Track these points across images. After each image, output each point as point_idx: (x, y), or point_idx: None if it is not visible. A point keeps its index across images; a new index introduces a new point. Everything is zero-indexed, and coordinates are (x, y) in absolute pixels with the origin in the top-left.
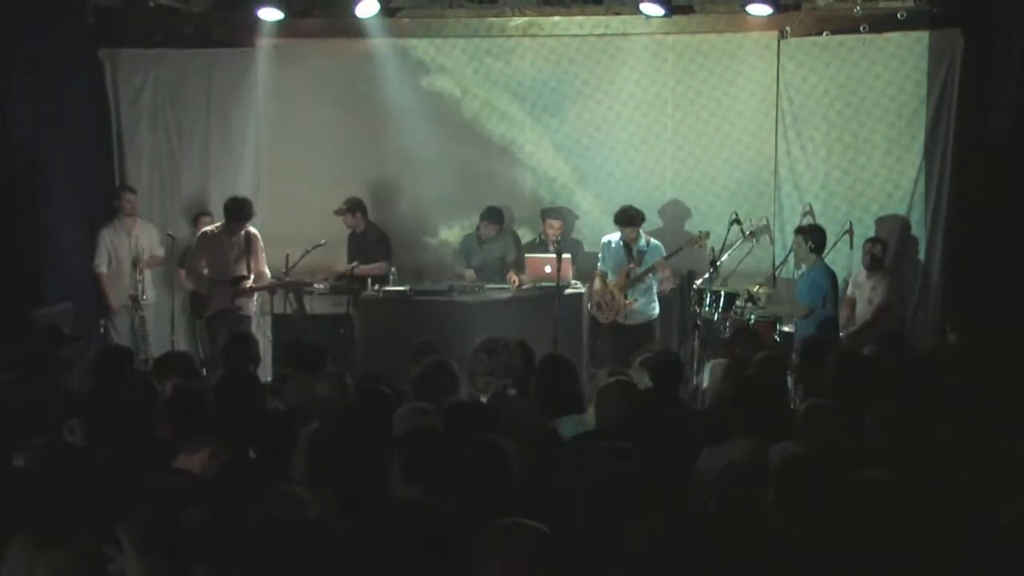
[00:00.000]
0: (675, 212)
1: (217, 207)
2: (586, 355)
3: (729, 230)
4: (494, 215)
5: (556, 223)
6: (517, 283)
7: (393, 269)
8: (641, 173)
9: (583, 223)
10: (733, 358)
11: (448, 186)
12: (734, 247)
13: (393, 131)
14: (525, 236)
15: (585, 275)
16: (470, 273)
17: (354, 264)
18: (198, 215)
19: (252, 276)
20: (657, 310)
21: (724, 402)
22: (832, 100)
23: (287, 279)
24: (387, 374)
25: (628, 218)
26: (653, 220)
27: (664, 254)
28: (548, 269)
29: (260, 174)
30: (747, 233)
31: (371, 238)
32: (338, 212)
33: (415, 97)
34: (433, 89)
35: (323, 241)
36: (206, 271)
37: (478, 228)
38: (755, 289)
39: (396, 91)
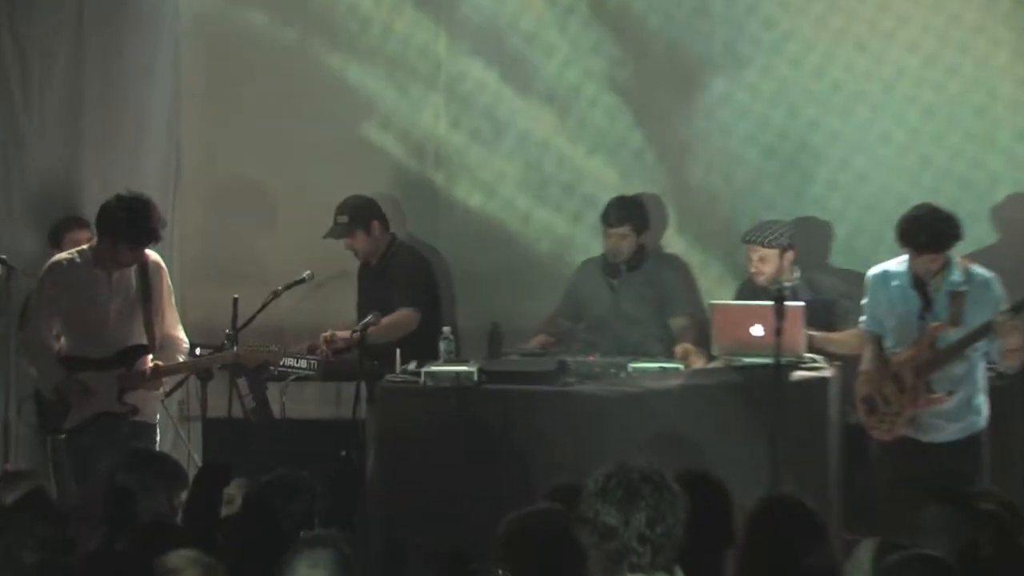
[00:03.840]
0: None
1: (94, 213)
2: (837, 503)
3: None
4: (627, 213)
5: (762, 254)
6: (694, 360)
7: (447, 330)
8: (953, 133)
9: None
10: None
11: (536, 168)
12: None
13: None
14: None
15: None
16: (540, 339)
17: (368, 320)
18: (62, 225)
19: (156, 347)
20: (985, 414)
21: None
22: None
23: (234, 351)
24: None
25: (932, 234)
26: (977, 231)
27: (1002, 297)
28: (758, 331)
29: (180, 151)
30: None
31: (395, 271)
32: (334, 233)
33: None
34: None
35: (305, 274)
36: (63, 340)
37: (603, 257)
38: None
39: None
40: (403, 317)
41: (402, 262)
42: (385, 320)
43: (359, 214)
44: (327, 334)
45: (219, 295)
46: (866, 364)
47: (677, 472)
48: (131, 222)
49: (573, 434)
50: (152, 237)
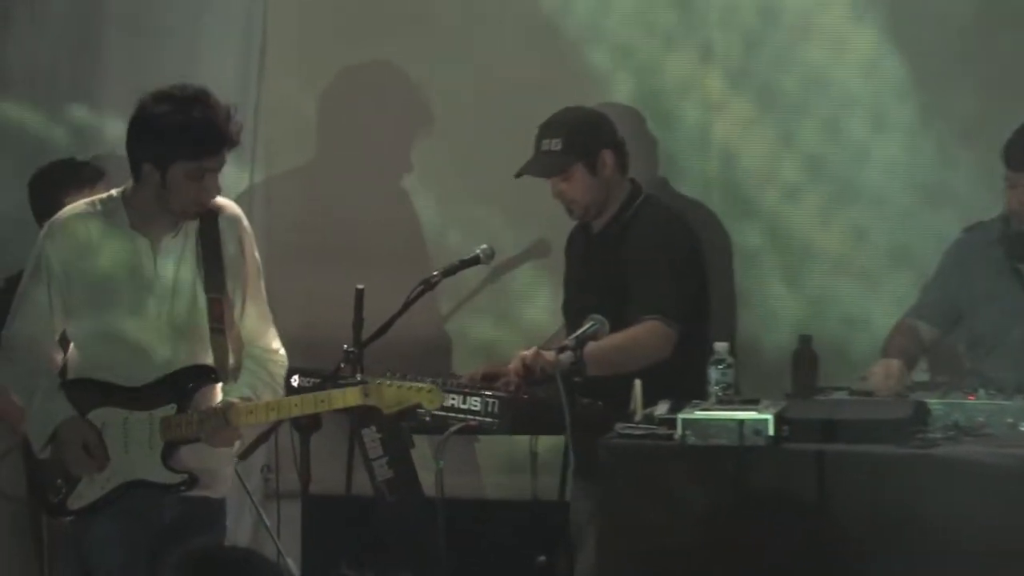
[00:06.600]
0: None
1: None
2: None
3: None
4: None
5: None
6: None
7: (722, 348)
8: None
9: None
10: None
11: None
12: None
13: None
14: None
15: None
16: (891, 366)
17: (586, 329)
18: (61, 178)
19: (232, 369)
20: None
21: None
22: None
23: (360, 385)
24: None
25: None
26: None
27: None
28: None
29: (266, 40)
30: None
31: (636, 243)
32: (532, 168)
33: None
34: None
35: (480, 251)
36: (71, 352)
37: (1003, 222)
38: None
39: None
40: (647, 334)
41: (649, 233)
42: (610, 341)
43: (580, 138)
44: (528, 353)
45: (328, 284)
46: None
47: None
48: (186, 119)
49: (934, 524)
50: (224, 140)
